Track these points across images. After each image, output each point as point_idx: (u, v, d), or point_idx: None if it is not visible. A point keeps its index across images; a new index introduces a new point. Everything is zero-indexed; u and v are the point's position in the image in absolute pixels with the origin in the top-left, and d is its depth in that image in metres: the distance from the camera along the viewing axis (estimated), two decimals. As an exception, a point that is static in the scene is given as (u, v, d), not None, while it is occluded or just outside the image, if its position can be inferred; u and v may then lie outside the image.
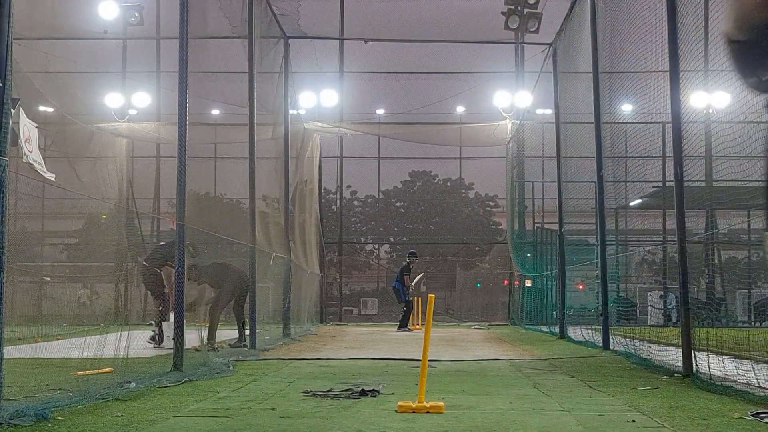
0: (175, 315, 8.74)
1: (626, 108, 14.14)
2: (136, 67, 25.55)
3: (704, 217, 15.34)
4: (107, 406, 5.74)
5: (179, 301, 8.46)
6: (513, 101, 23.69)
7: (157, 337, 12.03)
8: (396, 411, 5.56)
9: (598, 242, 13.11)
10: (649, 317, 23.13)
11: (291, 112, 17.72)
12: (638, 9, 10.43)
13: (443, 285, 32.33)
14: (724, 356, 7.99)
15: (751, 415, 5.36)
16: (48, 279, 22.63)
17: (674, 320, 18.91)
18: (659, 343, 10.06)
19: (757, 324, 21.68)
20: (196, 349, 9.42)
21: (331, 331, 18.75)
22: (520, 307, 22.50)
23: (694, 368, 7.72)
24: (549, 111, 19.17)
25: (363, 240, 38.96)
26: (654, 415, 5.47)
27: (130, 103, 23.80)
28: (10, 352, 6.79)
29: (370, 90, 27.84)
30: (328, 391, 6.59)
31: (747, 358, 7.91)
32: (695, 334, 8.05)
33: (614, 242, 17.48)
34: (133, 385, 6.60)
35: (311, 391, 6.59)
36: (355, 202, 39.11)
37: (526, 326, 20.42)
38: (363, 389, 6.58)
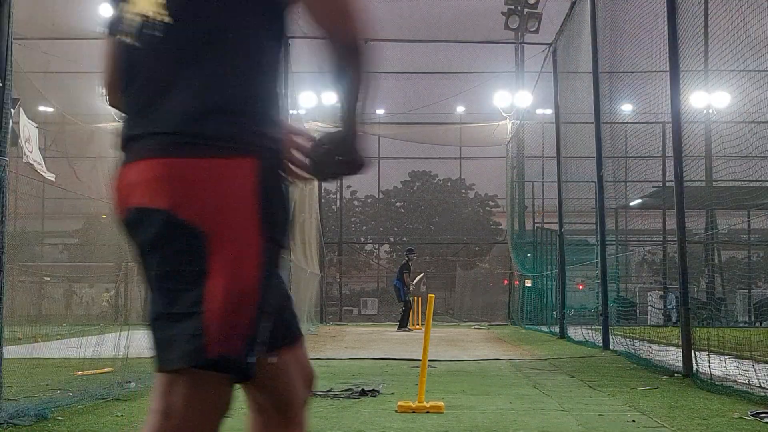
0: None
1: (626, 108, 14.15)
2: (136, 67, 25.52)
3: (704, 217, 15.32)
4: (107, 406, 5.74)
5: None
6: (513, 101, 23.71)
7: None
8: (396, 411, 5.56)
9: (598, 242, 13.10)
10: (649, 317, 23.10)
11: (291, 112, 17.71)
12: (638, 9, 10.43)
13: (443, 285, 32.33)
14: (724, 356, 7.98)
15: (751, 415, 5.36)
16: (48, 279, 22.65)
17: (674, 320, 18.89)
18: (659, 343, 10.06)
19: (758, 324, 21.67)
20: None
21: (331, 331, 18.74)
22: (520, 307, 22.48)
23: (694, 368, 7.72)
24: (549, 111, 19.18)
25: (363, 240, 38.98)
26: (654, 415, 5.47)
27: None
28: (10, 352, 6.78)
29: (370, 90, 27.81)
30: (328, 391, 6.58)
31: (747, 358, 7.91)
32: (695, 334, 8.05)
33: (614, 242, 17.46)
34: (133, 385, 6.60)
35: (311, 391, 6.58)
36: (355, 202, 39.13)
37: (526, 326, 20.40)
38: (363, 389, 6.58)
